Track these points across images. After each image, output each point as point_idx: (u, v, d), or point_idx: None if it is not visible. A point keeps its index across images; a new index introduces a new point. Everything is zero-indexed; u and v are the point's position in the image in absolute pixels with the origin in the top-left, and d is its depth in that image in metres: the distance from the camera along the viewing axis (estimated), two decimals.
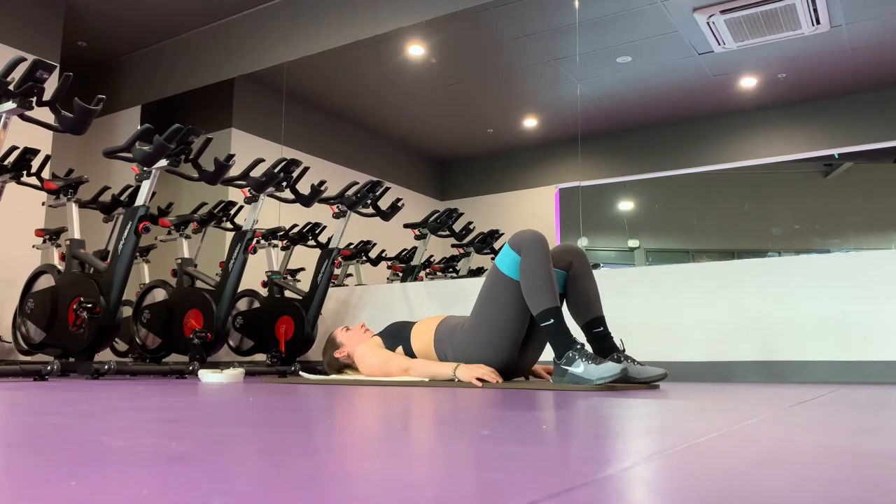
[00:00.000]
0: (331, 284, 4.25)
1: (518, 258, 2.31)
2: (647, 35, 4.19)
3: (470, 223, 4.66)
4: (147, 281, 4.60)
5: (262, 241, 4.38)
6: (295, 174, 3.77)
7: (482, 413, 1.22)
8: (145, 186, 3.22)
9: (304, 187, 3.93)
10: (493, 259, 2.47)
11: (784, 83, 4.04)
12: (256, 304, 4.22)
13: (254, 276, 4.48)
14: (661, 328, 3.41)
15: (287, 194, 3.93)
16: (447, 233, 4.55)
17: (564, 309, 2.46)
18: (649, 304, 3.47)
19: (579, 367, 2.15)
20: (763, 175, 4.02)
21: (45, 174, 3.98)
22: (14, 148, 3.49)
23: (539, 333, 2.44)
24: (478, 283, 2.56)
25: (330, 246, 4.01)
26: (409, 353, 2.59)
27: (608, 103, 4.57)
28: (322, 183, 3.88)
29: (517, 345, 2.41)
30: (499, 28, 4.60)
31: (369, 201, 4.06)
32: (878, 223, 3.71)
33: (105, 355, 4.53)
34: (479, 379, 2.27)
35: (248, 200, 3.68)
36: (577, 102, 4.43)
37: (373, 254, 4.84)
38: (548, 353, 2.39)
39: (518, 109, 4.95)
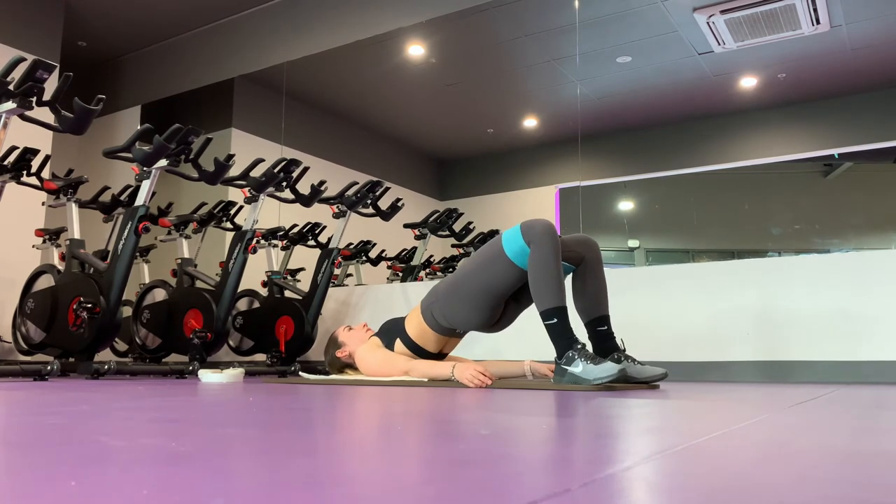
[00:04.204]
0: (331, 284, 4.25)
1: (526, 249, 2.30)
2: (647, 35, 4.19)
3: (470, 223, 4.66)
4: (147, 281, 4.60)
5: (262, 241, 4.38)
6: (295, 174, 3.77)
7: (482, 413, 1.22)
8: (145, 186, 3.22)
9: (304, 187, 3.92)
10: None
11: (784, 83, 4.04)
12: (256, 304, 4.22)
13: (254, 276, 4.48)
14: (661, 328, 3.41)
15: (287, 194, 3.93)
16: (447, 233, 4.55)
17: (569, 303, 2.47)
18: (649, 304, 3.47)
19: (578, 367, 2.15)
20: (763, 175, 4.02)
21: (45, 174, 3.98)
22: (14, 148, 3.49)
23: (524, 297, 2.48)
24: None
25: (330, 246, 4.01)
26: (408, 343, 2.59)
27: (608, 103, 4.57)
28: (322, 183, 3.88)
29: (496, 312, 2.46)
30: (499, 28, 4.60)
31: (369, 201, 4.06)
32: (878, 223, 3.71)
33: (105, 355, 4.53)
34: (472, 380, 2.28)
35: (248, 200, 3.68)
36: (577, 102, 4.43)
37: (373, 254, 4.84)
38: (549, 352, 2.39)
39: (518, 109, 4.95)
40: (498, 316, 2.49)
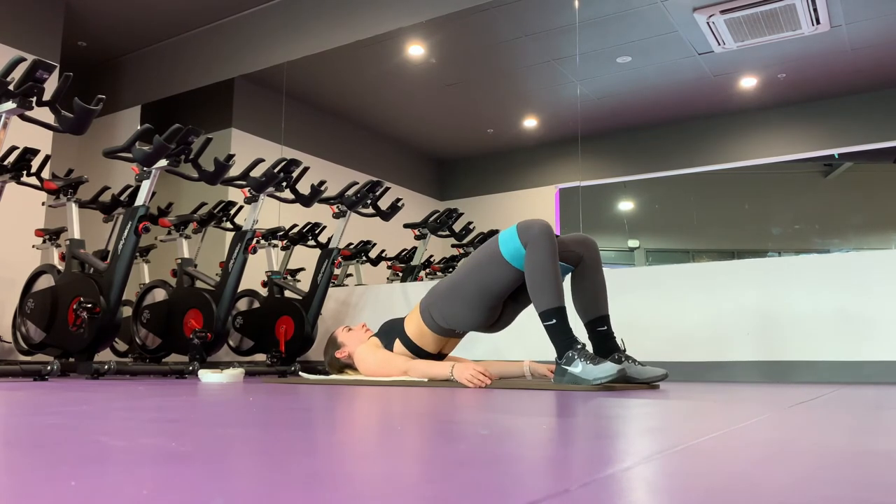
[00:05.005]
0: (331, 284, 4.25)
1: (522, 250, 2.29)
2: (647, 35, 4.19)
3: (470, 223, 4.66)
4: (147, 281, 4.60)
5: (262, 241, 4.38)
6: (295, 174, 3.77)
7: (481, 413, 1.22)
8: (145, 186, 3.22)
9: (304, 187, 3.93)
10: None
11: (784, 83, 4.04)
12: (256, 304, 4.22)
13: (254, 276, 4.48)
14: (662, 328, 3.41)
15: (287, 194, 3.93)
16: (447, 233, 4.55)
17: (568, 303, 2.47)
18: (649, 304, 3.47)
19: (578, 367, 2.15)
20: (763, 175, 4.02)
21: (45, 174, 3.98)
22: (14, 148, 3.49)
23: (522, 297, 2.47)
24: None
25: (330, 246, 4.01)
26: (406, 343, 2.59)
27: (608, 103, 4.57)
28: (322, 183, 3.88)
29: (495, 312, 2.46)
30: (499, 28, 4.60)
31: (369, 201, 4.06)
32: (878, 223, 3.71)
33: (105, 355, 4.53)
34: (472, 380, 2.28)
35: (248, 200, 3.68)
36: (577, 102, 4.43)
37: (373, 254, 4.84)
38: (549, 352, 2.39)
39: (518, 109, 4.95)
40: (496, 316, 2.49)
